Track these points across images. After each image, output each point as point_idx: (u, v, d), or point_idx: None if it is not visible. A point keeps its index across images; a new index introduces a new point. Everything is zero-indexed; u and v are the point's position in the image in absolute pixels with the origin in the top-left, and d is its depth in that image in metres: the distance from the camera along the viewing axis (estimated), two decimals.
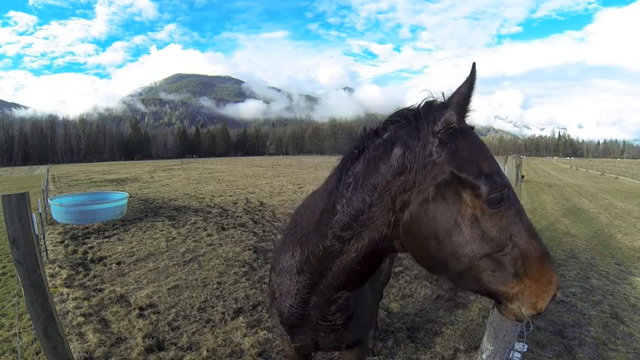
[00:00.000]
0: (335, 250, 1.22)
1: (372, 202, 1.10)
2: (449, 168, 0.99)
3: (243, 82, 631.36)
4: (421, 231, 1.03)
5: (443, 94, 1.08)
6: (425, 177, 1.02)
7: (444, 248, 1.00)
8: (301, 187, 17.88)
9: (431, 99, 1.10)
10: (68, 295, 4.80)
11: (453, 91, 1.05)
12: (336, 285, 1.33)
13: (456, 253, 0.99)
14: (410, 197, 1.04)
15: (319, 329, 1.55)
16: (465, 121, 1.05)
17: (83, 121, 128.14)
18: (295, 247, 1.43)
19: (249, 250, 6.81)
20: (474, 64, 1.00)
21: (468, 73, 1.01)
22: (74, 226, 9.11)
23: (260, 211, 11.19)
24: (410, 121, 1.08)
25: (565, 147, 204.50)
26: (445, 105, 1.04)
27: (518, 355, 2.85)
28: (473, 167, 0.98)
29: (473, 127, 1.09)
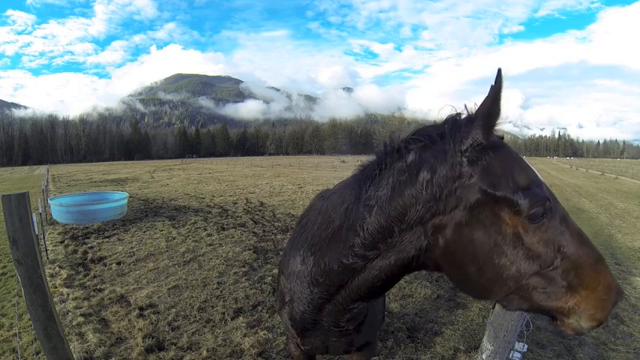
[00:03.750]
0: (357, 268, 1.18)
1: (401, 229, 1.04)
2: (482, 187, 0.92)
3: (243, 82, 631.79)
4: (458, 256, 0.97)
5: (466, 106, 1.00)
6: (457, 200, 0.95)
7: (485, 273, 0.94)
8: (301, 187, 17.88)
9: (455, 114, 1.03)
10: (68, 295, 4.80)
11: (479, 103, 0.97)
12: (354, 298, 1.30)
13: (500, 276, 0.92)
14: (442, 221, 0.98)
15: (331, 334, 1.54)
16: (493, 135, 0.97)
17: (83, 121, 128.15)
18: (307, 253, 1.40)
19: (249, 250, 6.81)
20: (499, 71, 0.90)
21: (492, 82, 0.91)
22: (74, 226, 9.11)
23: (260, 211, 11.19)
24: (435, 141, 1.01)
25: (565, 147, 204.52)
26: (471, 120, 0.96)
27: (518, 355, 2.85)
28: (508, 182, 0.91)
29: (502, 137, 1.02)
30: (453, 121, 1.02)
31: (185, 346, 3.55)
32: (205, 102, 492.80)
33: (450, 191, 0.96)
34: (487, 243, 0.92)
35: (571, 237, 0.91)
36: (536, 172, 0.98)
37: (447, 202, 0.96)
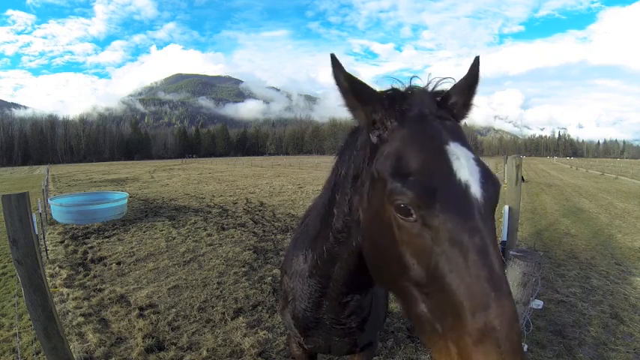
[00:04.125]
0: (335, 253, 1.21)
1: (350, 201, 1.04)
2: (375, 163, 0.87)
3: (243, 82, 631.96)
4: (363, 230, 0.96)
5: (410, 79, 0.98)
6: (367, 173, 0.92)
7: (370, 252, 0.94)
8: (301, 187, 17.87)
9: (400, 87, 0.97)
10: (68, 295, 4.79)
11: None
12: (342, 289, 1.31)
13: (381, 265, 0.88)
14: (362, 193, 0.96)
15: (333, 333, 1.54)
16: (407, 111, 0.88)
17: (83, 121, 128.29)
18: (308, 251, 1.43)
19: (249, 250, 6.81)
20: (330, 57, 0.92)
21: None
22: (74, 226, 9.11)
23: (260, 211, 11.18)
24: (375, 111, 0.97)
25: (565, 147, 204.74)
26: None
27: None
28: (391, 163, 0.81)
29: (457, 120, 0.93)
30: (387, 92, 0.95)
31: (185, 346, 3.55)
32: (205, 102, 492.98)
33: (365, 163, 0.94)
34: (375, 223, 0.86)
35: (466, 271, 0.67)
36: (459, 167, 0.76)
37: (364, 173, 0.94)
